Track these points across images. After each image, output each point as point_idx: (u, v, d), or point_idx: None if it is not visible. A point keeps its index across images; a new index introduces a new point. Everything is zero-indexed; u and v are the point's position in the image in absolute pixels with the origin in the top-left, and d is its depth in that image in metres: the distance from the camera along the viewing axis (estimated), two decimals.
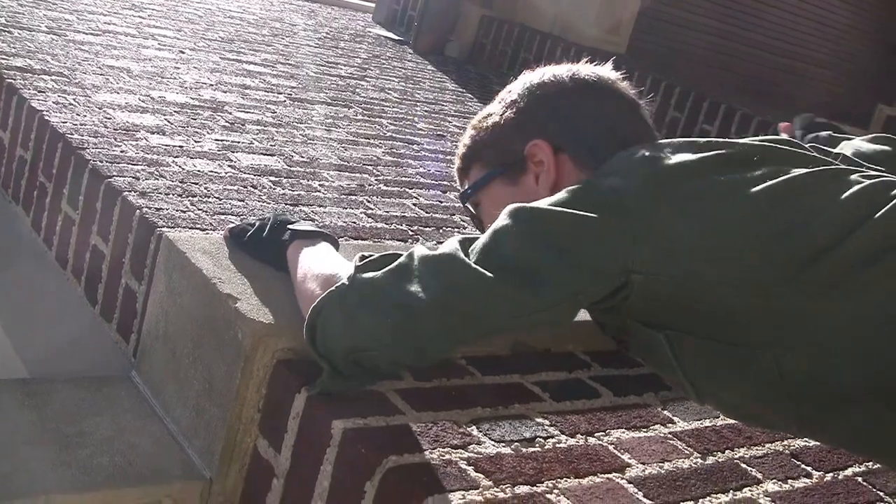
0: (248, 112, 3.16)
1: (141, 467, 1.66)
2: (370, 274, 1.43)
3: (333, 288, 1.46)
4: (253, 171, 2.55)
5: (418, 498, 1.33)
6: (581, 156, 1.53)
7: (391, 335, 1.39)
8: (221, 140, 2.75)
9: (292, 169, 2.67)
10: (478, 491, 1.38)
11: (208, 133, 2.78)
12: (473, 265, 1.33)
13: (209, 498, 1.68)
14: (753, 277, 1.30)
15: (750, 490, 1.63)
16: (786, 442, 1.80)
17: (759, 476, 1.67)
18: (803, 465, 1.74)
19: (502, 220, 1.36)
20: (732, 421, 1.79)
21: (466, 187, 1.66)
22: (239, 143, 2.78)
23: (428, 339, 1.39)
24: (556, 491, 1.43)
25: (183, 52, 3.84)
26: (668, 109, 5.10)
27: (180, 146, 2.59)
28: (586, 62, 1.61)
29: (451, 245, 1.38)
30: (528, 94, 1.61)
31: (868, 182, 1.34)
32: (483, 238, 1.37)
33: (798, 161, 1.41)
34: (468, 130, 1.68)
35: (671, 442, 1.69)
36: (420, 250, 1.40)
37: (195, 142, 2.66)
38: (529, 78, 1.63)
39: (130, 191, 2.15)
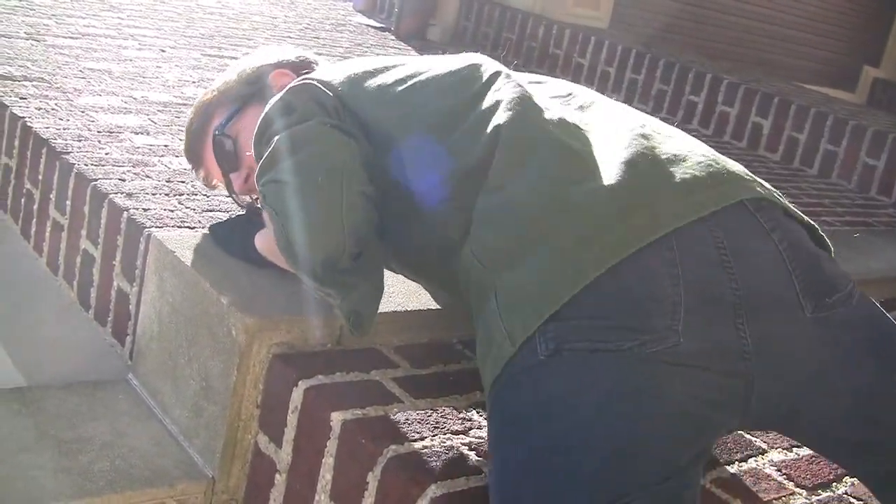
0: None
1: (143, 470, 1.65)
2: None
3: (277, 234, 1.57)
4: None
5: (421, 486, 1.33)
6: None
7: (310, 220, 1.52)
8: None
9: None
10: (480, 476, 1.37)
11: None
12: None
13: (213, 497, 1.68)
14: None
15: (755, 460, 1.62)
16: None
17: (764, 446, 1.67)
18: None
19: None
20: None
21: (220, 123, 1.89)
22: None
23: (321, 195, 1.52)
24: None
25: (164, 51, 3.82)
26: (653, 82, 5.09)
27: (165, 145, 2.58)
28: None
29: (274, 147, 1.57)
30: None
31: None
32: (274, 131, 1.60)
33: None
34: (201, 98, 1.96)
35: None
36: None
37: (180, 140, 2.64)
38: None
39: (117, 193, 2.14)
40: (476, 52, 1.74)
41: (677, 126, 1.64)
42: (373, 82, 1.65)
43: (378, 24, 6.02)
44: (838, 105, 5.19)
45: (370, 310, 1.57)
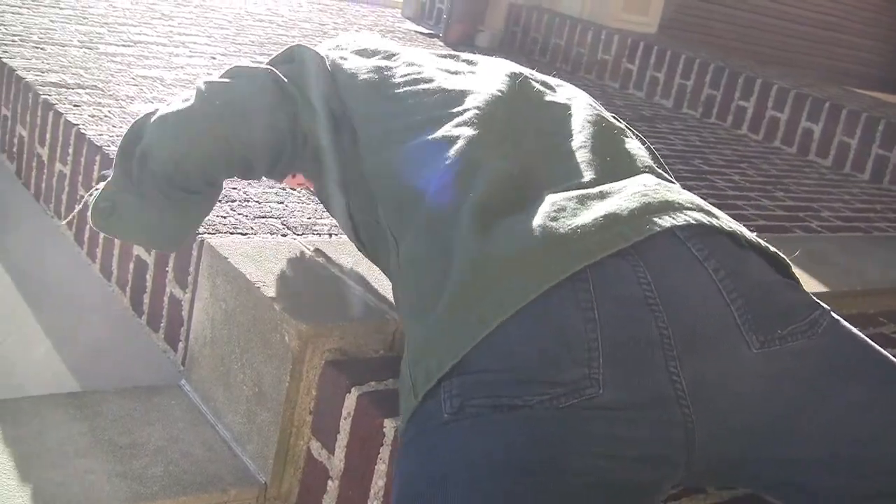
0: None
1: (196, 475, 1.66)
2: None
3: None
4: None
5: None
6: None
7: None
8: None
9: None
10: None
11: None
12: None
13: (265, 503, 1.68)
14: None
15: None
16: None
17: None
18: None
19: None
20: None
21: None
22: None
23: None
24: None
25: (214, 59, 3.85)
26: (703, 87, 5.06)
27: None
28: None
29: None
30: None
31: None
32: None
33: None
34: None
35: None
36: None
37: None
38: None
39: None
40: (514, 60, 1.73)
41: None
42: (367, 76, 1.65)
43: (427, 31, 6.03)
44: (890, 109, 5.14)
45: (131, 218, 1.63)
